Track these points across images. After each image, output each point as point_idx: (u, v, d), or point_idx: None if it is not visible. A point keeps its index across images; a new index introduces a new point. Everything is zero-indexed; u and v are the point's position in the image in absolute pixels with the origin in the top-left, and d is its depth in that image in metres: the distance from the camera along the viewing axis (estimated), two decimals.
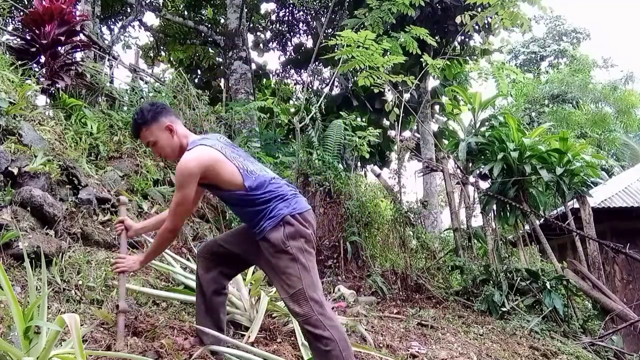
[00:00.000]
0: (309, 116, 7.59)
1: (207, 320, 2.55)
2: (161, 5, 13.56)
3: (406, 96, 9.85)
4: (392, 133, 13.47)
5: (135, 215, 4.13)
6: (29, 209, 3.02)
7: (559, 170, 6.15)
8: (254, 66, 13.30)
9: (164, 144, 2.45)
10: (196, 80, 14.52)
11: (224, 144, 2.47)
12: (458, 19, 7.20)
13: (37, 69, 4.94)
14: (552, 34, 26.87)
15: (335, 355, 2.20)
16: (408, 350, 3.49)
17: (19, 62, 4.48)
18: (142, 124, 2.44)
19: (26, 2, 10.22)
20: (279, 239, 2.30)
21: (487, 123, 7.08)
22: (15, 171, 3.20)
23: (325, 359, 2.23)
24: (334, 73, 9.56)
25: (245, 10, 11.59)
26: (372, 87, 7.07)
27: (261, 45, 15.71)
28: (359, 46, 6.37)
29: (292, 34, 15.12)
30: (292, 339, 3.08)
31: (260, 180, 2.39)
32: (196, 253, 2.74)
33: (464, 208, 6.79)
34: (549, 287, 5.46)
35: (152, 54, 15.07)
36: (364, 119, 12.16)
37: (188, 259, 3.71)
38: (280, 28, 15.22)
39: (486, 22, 9.49)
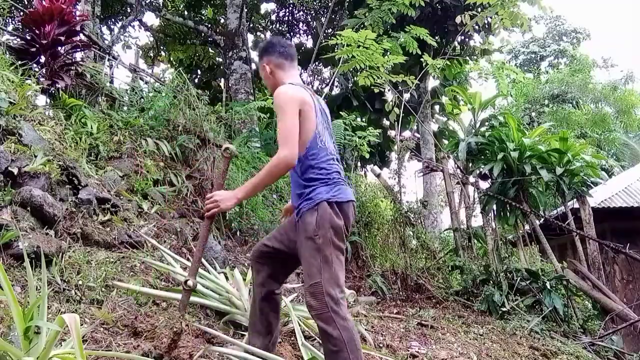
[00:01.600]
0: None
1: (259, 325, 2.49)
2: (161, 5, 13.57)
3: (406, 96, 9.85)
4: (392, 133, 13.47)
5: (135, 215, 4.13)
6: (29, 209, 3.02)
7: (559, 170, 6.15)
8: (254, 66, 13.29)
9: (264, 77, 2.58)
10: (196, 80, 14.51)
11: (319, 104, 2.46)
12: (458, 19, 7.21)
13: (37, 69, 4.93)
14: (552, 34, 26.88)
15: (342, 356, 2.14)
16: (408, 350, 3.49)
17: (19, 62, 4.47)
18: (258, 54, 2.61)
19: (26, 2, 10.22)
20: (311, 224, 2.22)
21: (487, 123, 7.09)
22: (15, 171, 3.20)
23: (333, 358, 2.18)
24: (334, 73, 9.57)
25: (245, 10, 11.58)
26: (372, 87, 7.07)
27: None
28: (359, 46, 6.37)
29: (292, 34, 15.12)
30: (292, 339, 3.08)
31: (321, 154, 2.32)
32: (250, 258, 2.64)
33: (464, 208, 6.80)
34: (549, 287, 5.46)
35: (152, 54, 15.08)
36: (364, 119, 12.16)
37: (188, 259, 3.70)
38: (280, 28, 15.21)
39: (486, 22, 9.49)
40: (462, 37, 11.56)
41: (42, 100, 4.92)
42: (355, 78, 10.79)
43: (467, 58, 12.20)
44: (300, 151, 2.27)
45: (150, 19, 22.02)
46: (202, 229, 2.32)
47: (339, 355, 2.15)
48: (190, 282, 2.27)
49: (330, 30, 12.79)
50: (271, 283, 2.51)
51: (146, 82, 8.31)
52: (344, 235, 2.29)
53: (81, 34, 5.74)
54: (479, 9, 7.26)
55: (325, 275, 2.19)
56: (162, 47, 14.94)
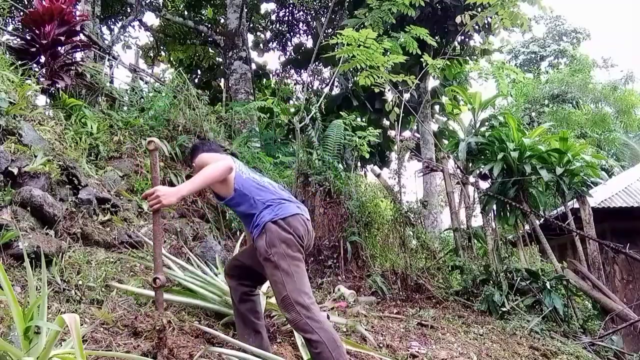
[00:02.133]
0: (309, 116, 7.59)
1: (245, 328, 2.66)
2: (161, 5, 13.57)
3: (406, 96, 9.85)
4: (392, 133, 13.47)
5: (135, 215, 4.14)
6: (29, 209, 3.02)
7: (559, 170, 6.15)
8: (254, 66, 13.29)
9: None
10: (196, 80, 14.52)
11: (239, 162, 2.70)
12: (458, 19, 7.20)
13: (37, 69, 4.94)
14: (552, 34, 26.87)
15: (325, 357, 2.26)
16: (408, 350, 3.49)
17: (19, 62, 4.47)
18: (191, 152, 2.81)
19: (26, 2, 10.22)
20: (262, 247, 2.39)
21: (487, 123, 7.08)
22: (15, 171, 3.20)
23: None
24: (334, 73, 9.56)
25: (245, 10, 11.59)
26: (372, 87, 7.06)
27: (261, 45, 15.71)
28: (359, 45, 6.36)
29: (292, 34, 15.13)
30: (292, 338, 3.08)
31: (250, 185, 2.52)
32: (224, 271, 2.89)
33: (464, 208, 6.79)
34: (549, 287, 5.46)
35: (152, 54, 15.08)
36: (364, 119, 12.16)
37: (188, 259, 3.70)
38: (280, 28, 15.22)
39: (486, 22, 9.49)
40: (462, 37, 11.56)
41: (42, 100, 4.93)
42: (355, 78, 10.79)
43: (467, 58, 12.20)
44: (230, 193, 2.50)
45: (150, 19, 22.05)
46: (153, 225, 2.37)
47: (321, 355, 2.27)
48: (158, 279, 2.28)
49: (330, 30, 12.79)
50: (243, 286, 2.71)
51: (146, 82, 8.32)
52: (297, 245, 2.42)
53: (81, 34, 5.75)
54: (479, 9, 7.26)
55: (289, 287, 2.33)
56: (162, 47, 14.94)
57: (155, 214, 2.34)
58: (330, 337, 2.29)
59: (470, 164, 6.86)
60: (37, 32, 4.85)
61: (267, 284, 2.93)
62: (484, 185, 6.73)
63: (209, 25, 12.93)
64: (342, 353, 2.31)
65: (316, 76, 15.33)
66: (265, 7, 15.24)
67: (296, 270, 2.37)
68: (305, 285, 2.38)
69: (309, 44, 14.88)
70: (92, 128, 4.63)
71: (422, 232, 6.82)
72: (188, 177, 5.19)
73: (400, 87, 9.31)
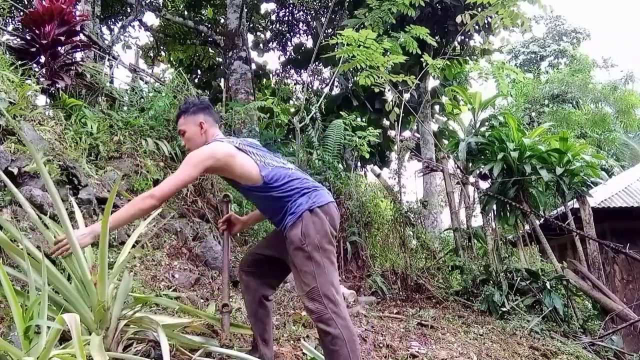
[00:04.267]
0: (309, 116, 7.59)
1: (255, 331, 2.58)
2: (161, 5, 13.56)
3: (406, 96, 9.85)
4: (392, 133, 13.47)
5: None
6: None
7: (559, 170, 6.15)
8: (254, 66, 13.28)
9: (191, 136, 2.58)
10: (196, 80, 14.51)
11: (246, 143, 2.55)
12: (458, 19, 7.20)
13: (37, 69, 4.93)
14: (552, 34, 26.87)
15: (343, 355, 2.21)
16: (408, 350, 3.49)
17: (19, 62, 4.47)
18: (183, 112, 2.61)
19: (26, 2, 10.22)
20: (297, 235, 2.31)
21: (487, 123, 7.08)
22: (15, 171, 3.20)
23: (333, 358, 2.24)
24: (334, 73, 9.56)
25: (245, 10, 11.58)
26: (372, 87, 7.06)
27: (261, 45, 15.70)
28: (359, 45, 6.36)
29: (292, 34, 15.12)
30: (291, 342, 3.08)
31: (278, 173, 2.42)
32: (238, 268, 2.73)
33: (464, 208, 6.79)
34: (549, 287, 5.46)
35: (152, 54, 15.07)
36: (364, 119, 12.16)
37: (188, 259, 3.71)
38: (280, 28, 15.21)
39: (486, 22, 9.49)
40: (462, 37, 11.55)
41: (42, 100, 4.92)
42: (355, 78, 10.78)
43: (467, 58, 12.19)
44: (257, 180, 2.40)
45: (150, 19, 22.05)
46: (223, 252, 2.68)
47: (339, 353, 2.21)
48: (227, 307, 2.54)
49: (330, 30, 12.79)
50: (265, 288, 2.61)
51: (146, 82, 8.31)
52: (330, 236, 2.37)
53: (81, 34, 5.74)
54: (479, 9, 7.26)
55: (320, 279, 2.26)
56: (162, 47, 14.94)
57: (226, 239, 2.70)
58: (352, 337, 2.25)
59: (470, 164, 6.86)
60: (37, 32, 4.84)
61: None
62: (484, 185, 6.73)
63: (209, 25, 12.93)
64: (359, 357, 2.27)
65: (316, 76, 15.33)
66: (265, 7, 15.25)
67: (328, 263, 2.32)
68: (335, 279, 2.33)
69: (309, 44, 14.88)
70: (92, 128, 4.63)
71: (422, 232, 6.82)
72: None
73: (400, 87, 9.31)
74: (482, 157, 6.75)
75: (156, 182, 4.80)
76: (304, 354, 2.90)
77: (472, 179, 6.74)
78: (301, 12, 14.65)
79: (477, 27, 9.74)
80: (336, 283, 2.33)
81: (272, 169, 2.42)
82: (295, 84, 16.07)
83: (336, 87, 14.06)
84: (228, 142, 2.47)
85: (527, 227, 6.71)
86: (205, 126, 2.57)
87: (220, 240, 4.65)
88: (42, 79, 4.72)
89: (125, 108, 5.97)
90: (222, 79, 13.68)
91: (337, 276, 2.36)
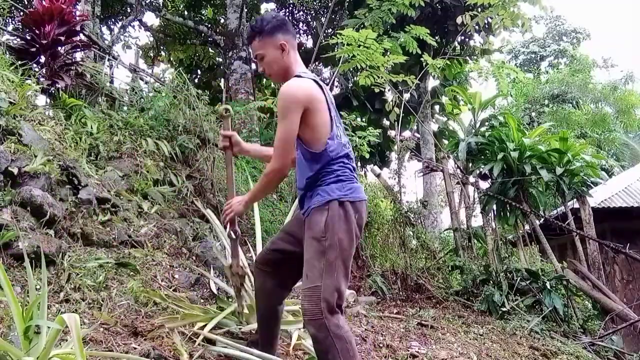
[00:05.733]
0: None
1: (265, 331, 2.46)
2: (161, 5, 13.56)
3: (406, 96, 9.84)
4: (392, 133, 13.46)
5: (135, 215, 4.13)
6: (29, 209, 3.02)
7: (559, 170, 6.15)
8: (254, 66, 13.27)
9: (271, 60, 2.28)
10: (196, 80, 14.51)
11: (330, 97, 2.32)
12: (458, 19, 7.20)
13: (37, 69, 4.93)
14: (552, 34, 26.87)
15: None
16: (408, 350, 3.49)
17: (19, 62, 4.47)
18: (257, 33, 2.28)
19: (26, 2, 10.22)
20: (318, 224, 2.09)
21: (487, 123, 7.08)
22: (15, 171, 3.20)
23: None
24: (334, 73, 9.56)
25: (245, 10, 11.58)
26: (372, 87, 7.06)
27: None
28: (359, 45, 6.36)
29: None
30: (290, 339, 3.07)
31: (337, 150, 2.19)
32: (254, 266, 2.52)
33: (464, 208, 6.79)
34: (549, 287, 5.46)
35: (152, 54, 15.07)
36: (364, 119, 12.15)
37: (188, 259, 3.71)
38: None
39: (486, 22, 9.49)
40: (462, 37, 11.55)
41: (42, 100, 4.92)
42: (355, 78, 10.78)
43: (467, 58, 12.19)
44: (317, 147, 2.17)
45: (150, 19, 22.01)
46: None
47: None
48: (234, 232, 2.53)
49: (330, 30, 12.78)
50: (280, 291, 2.44)
51: (146, 82, 8.32)
52: (354, 238, 2.15)
53: (81, 34, 5.74)
54: (480, 10, 7.26)
55: (326, 280, 2.05)
56: (162, 47, 14.93)
57: (229, 159, 2.59)
58: (346, 347, 2.02)
59: (470, 164, 6.86)
60: (37, 32, 4.84)
61: None
62: (484, 185, 6.73)
63: (209, 25, 12.93)
64: None
65: (316, 76, 15.33)
66: (265, 7, 15.24)
67: (341, 266, 2.08)
68: (341, 286, 2.09)
69: (309, 44, 14.87)
70: (92, 128, 4.63)
71: (422, 232, 6.82)
72: (188, 177, 5.19)
73: (400, 87, 9.31)
74: (482, 157, 6.75)
75: (156, 182, 4.80)
76: (304, 353, 2.90)
77: (472, 179, 6.74)
78: (301, 12, 14.65)
79: (477, 27, 9.72)
80: (343, 290, 2.10)
81: (337, 143, 2.19)
82: None
83: (336, 87, 14.06)
84: (319, 85, 2.23)
85: (527, 227, 6.71)
86: (287, 47, 2.26)
87: (220, 241, 4.64)
88: (42, 79, 4.72)
89: (125, 108, 5.98)
90: (222, 79, 13.69)
91: (346, 283, 2.13)
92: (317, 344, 2.08)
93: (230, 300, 3.26)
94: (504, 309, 5.20)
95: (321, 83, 2.30)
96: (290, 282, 2.46)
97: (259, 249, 3.14)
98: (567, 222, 6.28)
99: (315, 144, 2.17)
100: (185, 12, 13.79)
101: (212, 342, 2.70)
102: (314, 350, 2.22)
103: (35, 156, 3.46)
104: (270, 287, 2.40)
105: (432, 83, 13.54)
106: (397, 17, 8.85)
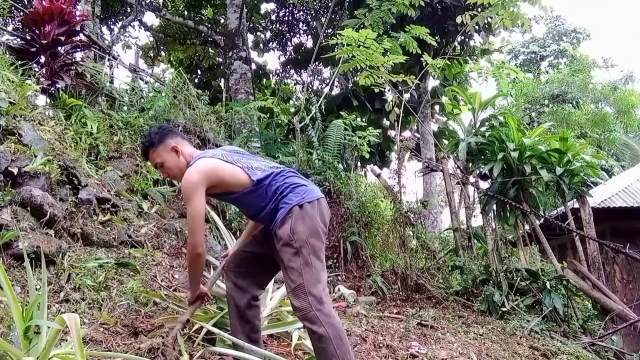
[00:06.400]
0: (309, 116, 7.60)
1: (240, 332, 2.52)
2: (161, 5, 13.56)
3: (406, 96, 9.85)
4: (392, 133, 13.46)
5: (135, 215, 4.13)
6: (29, 209, 3.02)
7: (559, 170, 6.15)
8: (254, 66, 13.28)
9: (170, 164, 2.52)
10: (196, 80, 14.51)
11: (227, 152, 2.55)
12: (458, 19, 7.20)
13: (37, 69, 4.94)
14: (552, 34, 26.86)
15: (330, 352, 2.20)
16: (408, 350, 3.49)
17: (19, 62, 4.47)
18: (150, 146, 2.52)
19: (26, 2, 10.22)
20: (286, 231, 2.30)
21: (487, 123, 7.07)
22: (15, 171, 3.20)
23: (320, 356, 2.25)
24: (334, 73, 9.57)
25: (245, 10, 11.59)
26: (372, 87, 7.06)
27: (261, 45, 15.70)
28: (359, 45, 6.36)
29: (292, 34, 15.11)
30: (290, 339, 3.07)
31: (267, 173, 2.42)
32: (224, 269, 2.68)
33: (464, 208, 6.78)
34: (549, 287, 5.46)
35: (152, 54, 15.07)
36: (364, 119, 12.16)
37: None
38: (280, 28, 15.21)
39: (486, 22, 9.49)
40: (462, 37, 11.55)
41: (42, 100, 4.92)
42: (355, 78, 10.79)
43: (467, 58, 12.19)
44: (247, 186, 2.40)
45: (150, 19, 21.98)
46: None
47: (326, 351, 2.21)
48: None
49: (330, 30, 12.79)
50: (255, 288, 2.57)
51: (146, 82, 8.32)
52: (321, 233, 2.36)
53: (81, 34, 5.74)
54: (480, 9, 7.25)
55: (306, 276, 2.25)
56: (162, 47, 14.93)
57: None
58: (338, 334, 2.23)
59: (470, 164, 6.85)
60: (37, 32, 4.85)
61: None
62: (484, 185, 6.73)
63: (209, 25, 12.92)
64: (348, 351, 2.26)
65: (316, 76, 15.33)
66: (265, 7, 15.25)
67: (316, 260, 2.30)
68: (322, 277, 2.31)
69: (309, 44, 14.87)
70: (92, 128, 4.63)
71: (422, 232, 6.83)
72: None
73: (400, 87, 9.31)
74: (482, 157, 6.75)
75: (156, 182, 4.80)
76: (304, 353, 2.90)
77: (472, 179, 6.73)
78: (301, 12, 14.65)
79: (477, 27, 9.72)
80: (323, 280, 2.32)
81: (261, 172, 2.42)
82: (295, 84, 16.08)
83: (336, 87, 14.07)
84: (210, 156, 2.45)
85: (527, 227, 6.70)
86: (179, 148, 2.51)
87: (220, 240, 4.65)
88: (42, 79, 4.72)
89: (125, 108, 5.98)
90: (222, 79, 13.68)
91: (324, 274, 2.35)
92: (312, 335, 2.25)
93: None
94: (504, 309, 5.20)
95: (213, 151, 2.57)
96: (262, 280, 2.63)
97: None
98: (567, 222, 6.27)
99: (244, 185, 2.41)
100: (185, 12, 13.79)
101: (212, 342, 2.70)
102: (313, 349, 2.27)
103: (35, 156, 3.47)
104: (244, 284, 2.54)
105: (432, 83, 13.55)
106: (397, 17, 8.86)
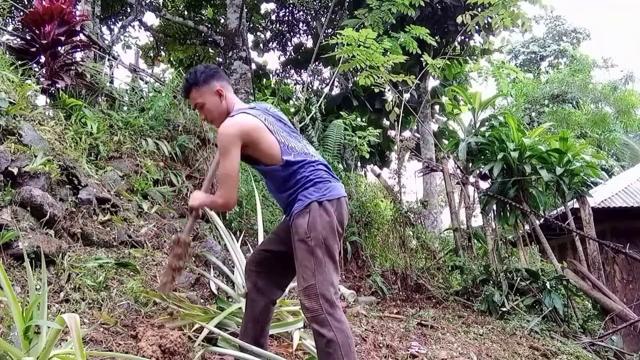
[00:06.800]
0: (309, 116, 7.60)
1: (248, 335, 2.47)
2: (161, 5, 13.56)
3: (406, 96, 9.85)
4: (392, 133, 13.46)
5: (135, 215, 4.13)
6: (29, 209, 3.02)
7: (559, 170, 6.15)
8: (254, 66, 13.28)
9: (211, 107, 2.42)
10: None
11: (272, 116, 2.43)
12: (458, 19, 7.19)
13: (37, 69, 4.93)
14: (552, 34, 26.87)
15: (336, 358, 2.14)
16: (408, 350, 3.49)
17: (19, 62, 4.47)
18: (193, 84, 2.42)
19: (26, 2, 10.23)
20: (303, 227, 2.22)
21: (487, 123, 7.07)
22: (15, 171, 3.20)
23: None
24: (334, 73, 9.56)
25: (245, 10, 11.59)
26: (372, 87, 7.06)
27: (261, 45, 15.71)
28: (359, 45, 6.36)
29: (292, 34, 15.12)
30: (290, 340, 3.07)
31: (298, 158, 2.32)
32: (244, 268, 2.62)
33: (464, 208, 6.79)
34: (549, 287, 5.46)
35: (152, 54, 15.07)
36: (364, 119, 12.16)
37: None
38: (280, 28, 15.21)
39: (486, 21, 9.49)
40: (462, 37, 11.55)
41: (42, 100, 4.91)
42: (355, 78, 10.78)
43: (467, 58, 12.19)
44: (277, 162, 2.31)
45: (150, 19, 21.99)
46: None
47: (332, 356, 2.14)
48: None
49: (330, 30, 12.78)
50: (275, 291, 2.51)
51: (146, 82, 8.31)
52: (336, 234, 2.28)
53: (81, 34, 5.74)
54: (480, 9, 7.25)
55: (319, 277, 2.18)
56: (162, 47, 14.94)
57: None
58: (346, 340, 2.16)
59: (470, 164, 6.85)
60: (37, 32, 4.84)
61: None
62: (484, 185, 6.73)
63: (209, 25, 12.93)
64: (354, 359, 2.18)
65: (316, 76, 15.33)
66: (265, 7, 15.25)
67: (329, 262, 2.22)
68: (335, 279, 2.24)
69: (309, 44, 14.88)
70: (92, 128, 4.63)
71: (422, 232, 6.82)
72: (188, 177, 5.19)
73: (400, 87, 9.31)
74: (482, 157, 6.75)
75: (156, 182, 4.80)
76: (304, 353, 2.90)
77: (472, 179, 6.73)
78: (301, 12, 14.65)
79: (477, 27, 9.72)
80: (336, 283, 2.25)
81: (294, 155, 2.31)
82: (295, 84, 16.08)
83: (336, 87, 14.06)
84: (254, 115, 2.34)
85: (527, 227, 6.71)
86: (223, 92, 2.42)
87: (220, 240, 4.65)
88: (42, 79, 4.71)
89: (125, 108, 5.97)
90: None
91: (337, 276, 2.28)
92: (320, 338, 2.18)
93: (230, 300, 3.26)
94: (504, 309, 5.20)
95: (259, 111, 2.40)
96: (282, 281, 2.56)
97: None
98: (567, 222, 6.27)
99: (273, 160, 2.31)
100: (185, 12, 13.80)
101: (212, 342, 2.70)
102: (313, 350, 2.26)
103: (35, 156, 3.46)
104: (262, 286, 2.48)
105: (432, 83, 13.55)
106: (397, 17, 8.85)
